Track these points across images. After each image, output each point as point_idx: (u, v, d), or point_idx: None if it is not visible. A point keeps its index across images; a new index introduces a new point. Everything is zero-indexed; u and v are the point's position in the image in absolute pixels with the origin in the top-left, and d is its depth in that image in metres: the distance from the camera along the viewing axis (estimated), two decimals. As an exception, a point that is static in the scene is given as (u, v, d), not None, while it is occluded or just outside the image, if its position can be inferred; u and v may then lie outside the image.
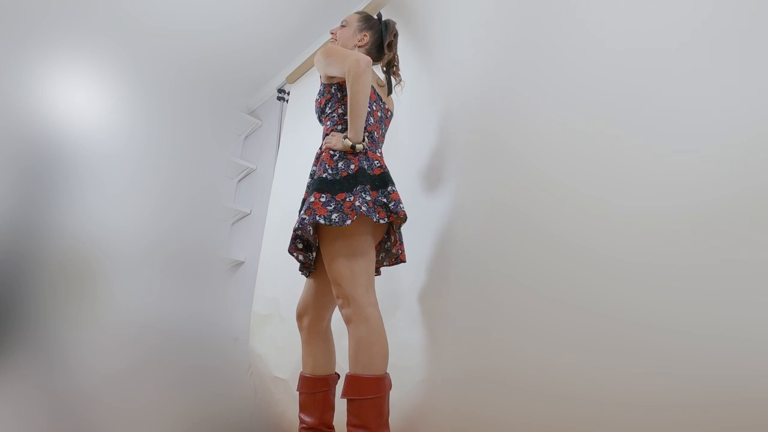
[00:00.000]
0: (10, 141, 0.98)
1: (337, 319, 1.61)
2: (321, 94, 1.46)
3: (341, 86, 1.42)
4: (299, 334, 1.41)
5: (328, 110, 1.44)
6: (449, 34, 1.71)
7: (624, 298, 1.01)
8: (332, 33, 1.58)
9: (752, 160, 0.90)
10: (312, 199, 1.25)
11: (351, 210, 1.22)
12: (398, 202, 1.29)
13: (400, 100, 1.70)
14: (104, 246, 1.06)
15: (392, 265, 1.43)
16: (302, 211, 1.25)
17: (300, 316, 1.40)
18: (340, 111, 1.41)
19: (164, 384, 1.15)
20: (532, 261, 1.21)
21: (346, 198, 1.24)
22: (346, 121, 1.39)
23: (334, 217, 1.21)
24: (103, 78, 1.12)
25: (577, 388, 1.05)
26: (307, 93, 2.55)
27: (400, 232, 1.40)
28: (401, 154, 1.66)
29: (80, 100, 1.08)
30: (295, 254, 1.36)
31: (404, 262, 1.42)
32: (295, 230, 1.28)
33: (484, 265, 1.33)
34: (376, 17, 1.58)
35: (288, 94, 2.85)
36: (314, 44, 2.67)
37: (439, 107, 1.63)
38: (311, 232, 1.28)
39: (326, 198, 1.24)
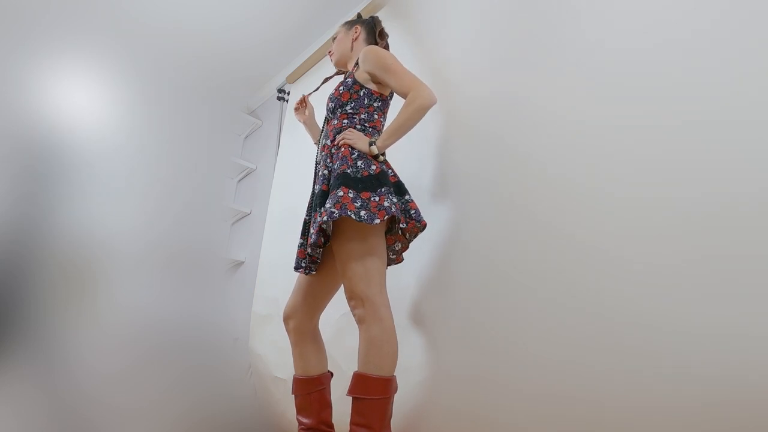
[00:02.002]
0: (10, 140, 0.98)
1: (330, 318, 1.61)
2: (347, 87, 1.43)
3: (372, 94, 1.42)
4: (287, 336, 1.41)
5: (349, 109, 1.42)
6: (447, 34, 1.71)
7: (627, 300, 1.00)
8: (330, 52, 1.62)
9: (760, 156, 0.89)
10: (341, 193, 1.24)
11: (378, 210, 1.22)
12: (418, 212, 1.32)
13: (400, 99, 1.70)
14: (104, 246, 1.06)
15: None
16: (330, 205, 1.23)
17: (287, 319, 1.40)
18: (363, 116, 1.41)
19: (164, 384, 1.15)
20: (534, 261, 1.21)
21: (370, 197, 1.24)
22: (365, 128, 1.40)
23: (362, 214, 1.20)
24: (103, 78, 1.12)
25: (578, 389, 1.05)
26: (307, 92, 2.55)
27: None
28: (402, 154, 1.66)
29: (80, 100, 1.08)
30: (306, 247, 1.33)
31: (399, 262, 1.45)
32: (321, 224, 1.25)
33: (485, 265, 1.33)
34: (355, 18, 1.64)
35: (288, 94, 2.85)
36: (314, 44, 2.67)
37: (439, 106, 1.63)
38: (331, 225, 1.28)
39: (353, 194, 1.24)
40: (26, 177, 0.98)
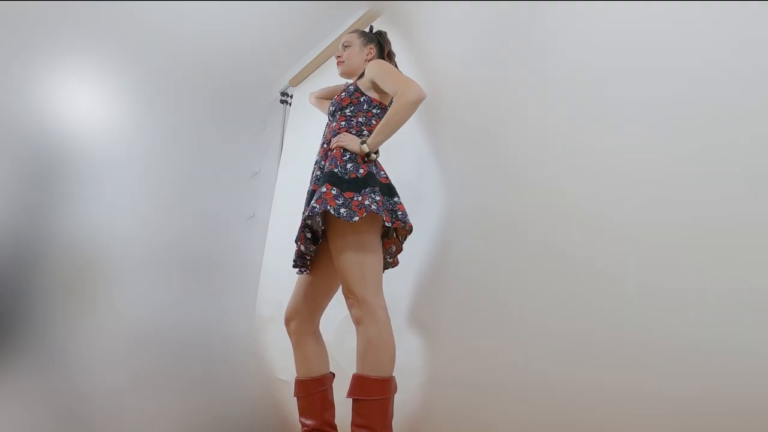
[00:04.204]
0: (16, 144, 0.98)
1: (332, 321, 1.61)
2: (349, 93, 1.47)
3: (372, 101, 1.45)
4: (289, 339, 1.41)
5: (348, 112, 1.45)
6: (442, 43, 1.72)
7: (622, 306, 1.01)
8: (338, 57, 1.61)
9: (762, 173, 0.89)
10: (324, 189, 1.26)
11: (359, 208, 1.24)
12: (405, 214, 1.32)
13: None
14: (111, 252, 1.07)
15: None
16: (313, 201, 1.26)
17: (288, 321, 1.41)
18: (360, 119, 1.44)
19: (166, 387, 1.16)
20: (533, 264, 1.21)
21: (353, 197, 1.26)
22: (362, 131, 1.42)
23: (342, 211, 1.22)
24: (108, 82, 1.13)
25: (576, 393, 1.05)
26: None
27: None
28: (397, 159, 1.66)
29: (85, 104, 1.09)
30: (299, 244, 1.34)
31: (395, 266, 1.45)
32: (304, 219, 1.29)
33: (485, 269, 1.33)
34: (368, 30, 1.65)
35: (291, 97, 2.86)
36: (317, 48, 2.68)
37: (434, 113, 1.64)
38: (320, 222, 1.30)
39: (336, 192, 1.26)
40: (32, 181, 0.99)
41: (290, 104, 2.85)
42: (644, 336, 0.96)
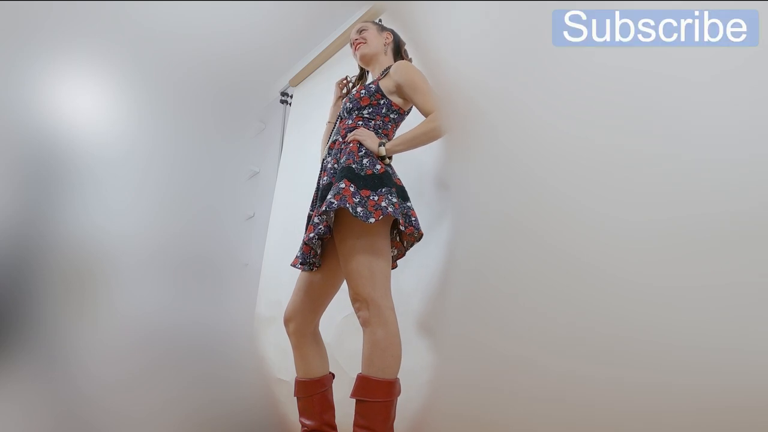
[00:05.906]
0: (14, 145, 0.98)
1: (332, 321, 1.61)
2: (369, 93, 1.43)
3: (392, 106, 1.42)
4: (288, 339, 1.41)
5: (365, 113, 1.42)
6: (446, 40, 1.71)
7: (626, 308, 1.01)
8: (356, 40, 1.56)
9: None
10: (342, 185, 1.24)
11: (375, 209, 1.22)
12: (417, 220, 1.31)
13: (413, 118, 1.71)
14: (110, 252, 1.07)
15: None
16: (330, 196, 1.23)
17: (287, 321, 1.40)
18: (377, 123, 1.41)
19: (166, 386, 1.16)
20: (539, 265, 1.20)
21: (369, 196, 1.24)
22: (378, 134, 1.40)
23: (359, 210, 1.20)
24: (108, 82, 1.13)
25: (581, 395, 1.05)
26: (310, 96, 2.56)
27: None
28: (403, 158, 1.66)
29: (85, 104, 1.09)
30: (312, 239, 1.30)
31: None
32: (320, 213, 1.25)
33: (489, 269, 1.33)
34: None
35: (291, 97, 2.86)
36: (317, 48, 2.68)
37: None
38: (332, 219, 1.27)
39: (354, 189, 1.24)
40: (30, 182, 0.99)
41: (290, 104, 2.85)
42: (655, 336, 0.96)
